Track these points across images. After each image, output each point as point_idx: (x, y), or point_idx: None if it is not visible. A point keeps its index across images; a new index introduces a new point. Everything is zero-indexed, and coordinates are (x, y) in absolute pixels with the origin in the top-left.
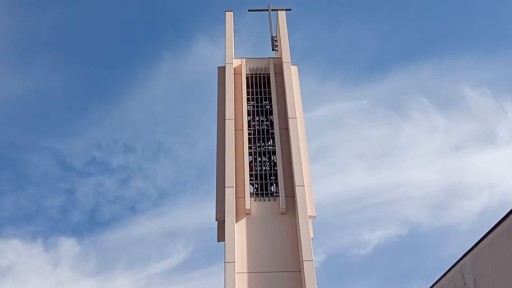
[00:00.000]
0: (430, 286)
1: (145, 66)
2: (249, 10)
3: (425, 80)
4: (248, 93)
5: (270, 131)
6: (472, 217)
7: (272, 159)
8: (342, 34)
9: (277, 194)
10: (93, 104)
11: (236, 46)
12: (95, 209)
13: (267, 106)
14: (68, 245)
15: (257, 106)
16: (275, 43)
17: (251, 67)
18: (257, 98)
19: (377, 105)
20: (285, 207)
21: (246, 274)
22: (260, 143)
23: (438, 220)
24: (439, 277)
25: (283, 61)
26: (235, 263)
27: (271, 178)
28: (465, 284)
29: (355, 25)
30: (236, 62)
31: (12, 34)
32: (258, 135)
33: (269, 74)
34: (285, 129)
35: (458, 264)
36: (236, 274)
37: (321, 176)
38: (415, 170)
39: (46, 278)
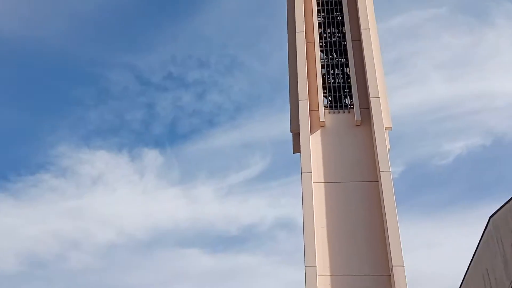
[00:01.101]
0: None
1: None
2: None
3: None
4: (318, 4)
5: (343, 43)
6: None
7: (346, 71)
8: None
9: (352, 106)
10: (166, 20)
11: None
12: (174, 122)
13: (338, 17)
14: (152, 156)
15: (328, 18)
16: None
17: None
18: (327, 10)
19: (457, 13)
20: (360, 119)
21: (323, 184)
22: (333, 55)
23: None
24: None
25: None
26: (311, 174)
27: (345, 90)
28: None
29: None
30: None
31: None
32: (330, 47)
33: None
34: (357, 40)
35: None
36: (313, 184)
37: (399, 87)
38: (499, 79)
39: (134, 186)
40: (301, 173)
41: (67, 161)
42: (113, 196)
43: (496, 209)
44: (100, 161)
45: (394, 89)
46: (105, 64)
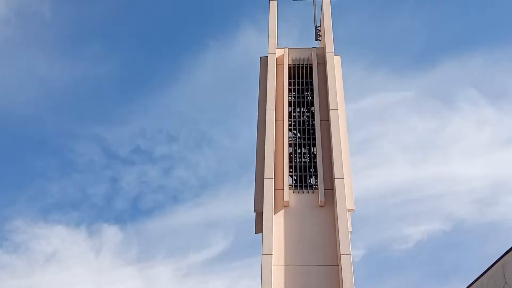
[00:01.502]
0: (470, 283)
1: (191, 54)
2: None
3: (476, 71)
4: (289, 84)
5: (311, 122)
6: None
7: (312, 151)
8: (391, 23)
9: (316, 186)
10: (139, 92)
11: (280, 35)
12: (137, 198)
13: (308, 97)
14: (111, 232)
15: (299, 97)
16: (318, 33)
17: (294, 57)
18: (298, 89)
19: (425, 96)
20: (323, 199)
21: (283, 266)
22: (301, 135)
23: (484, 216)
24: (479, 275)
25: (326, 51)
26: (272, 255)
27: (311, 170)
28: (506, 282)
29: (405, 14)
30: (278, 52)
31: (62, 23)
32: (298, 126)
33: (311, 64)
34: (326, 120)
35: (499, 262)
36: (273, 266)
37: (364, 168)
38: (461, 164)
39: (89, 264)
40: (262, 254)
41: (21, 236)
42: (66, 274)
43: None
44: (57, 236)
45: (360, 170)
46: (72, 135)
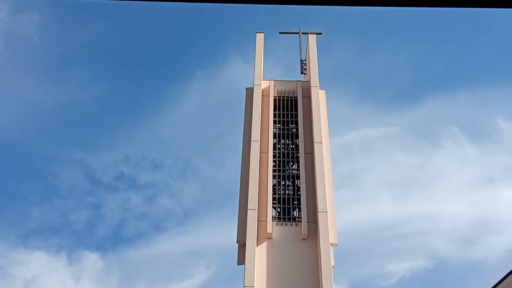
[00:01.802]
0: None
1: (178, 83)
2: (280, 33)
3: (459, 110)
4: (275, 116)
5: (295, 154)
6: (501, 254)
7: (296, 183)
8: (376, 59)
9: (300, 219)
10: (125, 119)
11: (266, 67)
12: (120, 225)
13: (293, 130)
14: (92, 260)
15: (284, 129)
16: (304, 67)
17: (279, 90)
18: (283, 121)
19: (408, 133)
20: (306, 233)
21: None
22: (285, 167)
23: (466, 255)
24: None
25: (311, 85)
26: None
27: (294, 202)
28: None
29: (390, 51)
30: (264, 84)
31: (49, 46)
32: (283, 158)
33: (296, 97)
34: (310, 153)
35: None
36: None
37: (348, 202)
38: (444, 201)
39: None
40: (244, 286)
41: (1, 261)
42: None
43: None
44: (36, 262)
45: (343, 204)
46: (56, 160)
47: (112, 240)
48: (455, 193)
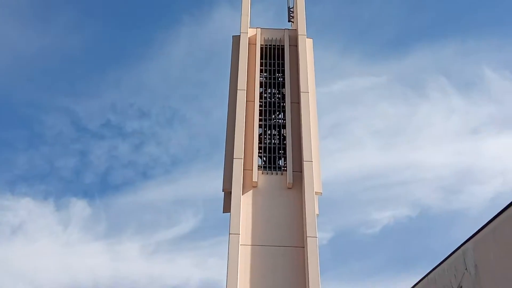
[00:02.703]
0: (431, 269)
1: (165, 29)
2: None
3: (447, 60)
4: (261, 64)
5: (282, 104)
6: (483, 203)
7: (282, 132)
8: (365, 8)
9: (285, 168)
10: (111, 65)
11: (253, 15)
12: (107, 173)
13: (280, 79)
14: (79, 207)
15: (270, 78)
16: (291, 15)
17: (266, 38)
18: (270, 70)
19: (396, 83)
20: (292, 182)
21: (250, 246)
22: (271, 116)
23: (449, 204)
24: (440, 261)
25: (298, 33)
26: (239, 235)
27: (280, 152)
28: (466, 269)
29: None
30: (251, 32)
31: None
32: (269, 107)
33: (283, 45)
34: (296, 103)
35: (461, 249)
36: (240, 246)
37: (334, 151)
38: (429, 151)
39: (56, 238)
40: (229, 234)
41: None
42: (32, 248)
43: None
44: (23, 209)
45: (329, 153)
46: (42, 107)
47: (100, 187)
48: (440, 143)
